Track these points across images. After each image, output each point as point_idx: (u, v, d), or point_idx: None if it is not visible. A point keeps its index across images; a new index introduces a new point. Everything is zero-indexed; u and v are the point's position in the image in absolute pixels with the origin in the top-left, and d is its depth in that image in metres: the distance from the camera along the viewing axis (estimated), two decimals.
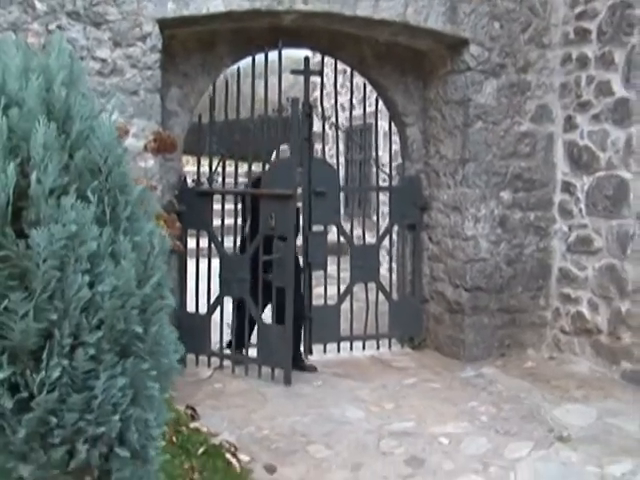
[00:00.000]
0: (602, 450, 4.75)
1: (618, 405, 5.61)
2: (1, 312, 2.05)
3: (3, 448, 2.29)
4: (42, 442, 2.22)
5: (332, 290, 7.04)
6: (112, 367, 2.21)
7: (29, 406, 2.15)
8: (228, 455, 4.52)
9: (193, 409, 5.24)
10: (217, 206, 6.60)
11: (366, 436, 5.01)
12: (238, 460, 4.51)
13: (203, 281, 6.53)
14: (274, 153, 6.62)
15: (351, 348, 6.89)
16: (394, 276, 7.51)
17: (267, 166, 6.53)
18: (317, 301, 6.89)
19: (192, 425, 4.94)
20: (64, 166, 2.14)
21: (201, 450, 4.50)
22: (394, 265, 7.62)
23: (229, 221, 6.54)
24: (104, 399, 2.21)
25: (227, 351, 6.53)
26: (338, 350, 6.88)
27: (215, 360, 6.49)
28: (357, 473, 4.45)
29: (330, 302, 6.92)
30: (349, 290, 6.97)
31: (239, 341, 6.45)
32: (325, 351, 6.80)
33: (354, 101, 7.38)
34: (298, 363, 6.46)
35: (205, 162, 6.79)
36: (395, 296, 7.34)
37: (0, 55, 2.24)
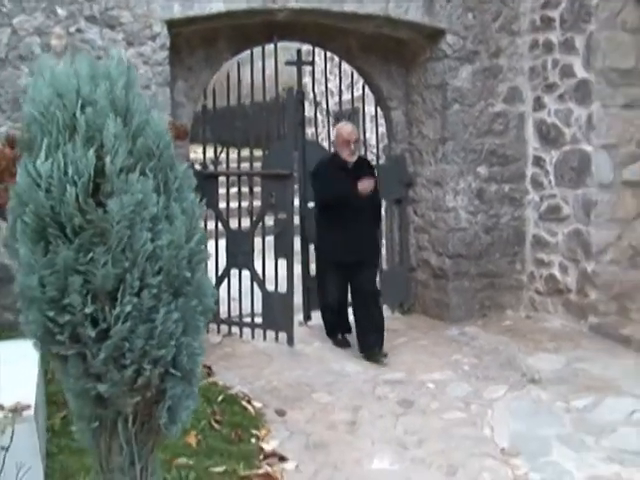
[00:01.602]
0: (568, 389, 5.46)
1: (585, 353, 6.31)
2: (87, 262, 2.71)
3: (83, 373, 2.94)
4: (116, 364, 2.87)
5: None
6: (168, 304, 2.87)
7: (107, 335, 2.80)
8: (244, 402, 5.21)
9: (209, 367, 5.91)
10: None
11: (363, 385, 5.70)
12: (253, 406, 5.20)
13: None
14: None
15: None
16: (383, 248, 8.17)
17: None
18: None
19: (209, 380, 5.63)
20: (129, 151, 2.78)
21: (220, 398, 5.18)
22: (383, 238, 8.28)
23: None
24: (163, 329, 2.86)
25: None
26: None
27: (224, 327, 7.16)
28: (356, 413, 5.14)
29: None
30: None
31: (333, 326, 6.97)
32: None
33: (342, 87, 8.02)
34: (374, 353, 6.42)
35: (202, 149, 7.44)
36: (385, 266, 8.01)
37: (75, 68, 2.89)
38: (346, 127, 6.58)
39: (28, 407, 3.60)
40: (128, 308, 2.77)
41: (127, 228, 2.73)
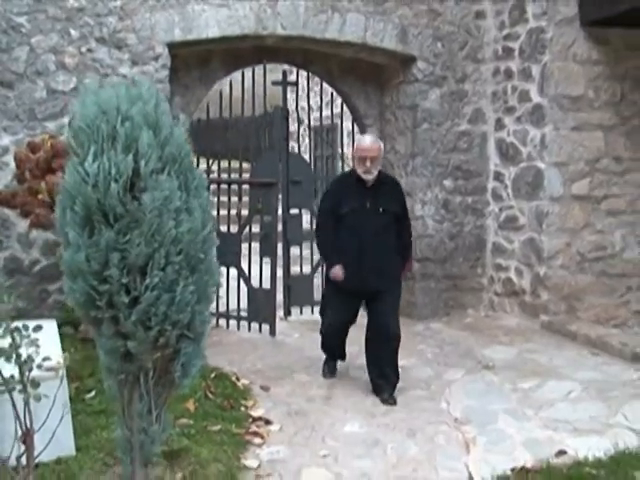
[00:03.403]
0: (517, 374, 6.23)
1: (535, 346, 7.09)
2: (125, 242, 3.46)
3: (114, 333, 3.68)
4: (143, 326, 3.61)
5: (306, 269, 8.51)
6: (186, 278, 3.60)
7: (138, 301, 3.54)
8: (233, 379, 5.95)
9: None
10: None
11: (339, 368, 6.45)
12: (241, 383, 5.94)
13: None
14: None
15: None
16: None
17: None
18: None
19: None
20: (159, 156, 3.53)
21: (212, 375, 5.92)
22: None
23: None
24: (181, 298, 3.59)
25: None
26: (312, 312, 8.29)
27: (211, 320, 7.89)
28: (332, 390, 5.90)
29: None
30: (320, 264, 8.35)
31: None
32: (301, 312, 8.24)
33: (323, 104, 8.79)
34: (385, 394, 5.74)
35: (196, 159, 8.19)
36: None
37: (115, 90, 3.64)
38: (365, 140, 5.83)
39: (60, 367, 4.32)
40: (155, 280, 3.51)
41: (156, 217, 3.48)
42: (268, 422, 5.11)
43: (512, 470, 4.35)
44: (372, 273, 5.66)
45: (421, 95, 8.08)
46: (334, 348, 6.29)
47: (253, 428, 4.95)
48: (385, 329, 5.82)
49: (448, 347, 7.11)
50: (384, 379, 5.78)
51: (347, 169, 8.58)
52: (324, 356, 6.38)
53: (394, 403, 5.63)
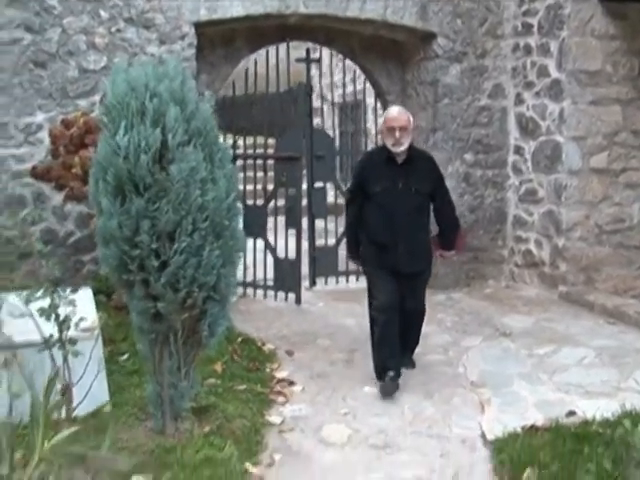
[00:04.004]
0: (534, 341, 6.43)
1: (552, 315, 7.27)
2: (154, 210, 3.72)
3: (145, 295, 3.95)
4: (172, 287, 3.88)
5: (331, 240, 8.76)
6: (212, 243, 3.87)
7: (167, 265, 3.81)
8: (259, 344, 6.23)
9: None
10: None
11: (359, 334, 6.65)
12: (267, 347, 6.22)
13: None
14: None
15: (347, 280, 8.56)
16: None
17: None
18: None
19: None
20: (185, 130, 3.79)
21: (239, 340, 6.20)
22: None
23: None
24: (207, 262, 3.86)
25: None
26: (336, 282, 8.58)
27: (239, 290, 8.18)
28: (352, 354, 6.15)
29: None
30: (345, 234, 8.56)
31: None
32: (326, 282, 8.50)
33: (346, 80, 9.00)
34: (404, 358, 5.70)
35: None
36: None
37: (143, 69, 3.89)
38: (392, 110, 5.55)
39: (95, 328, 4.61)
40: (183, 245, 3.79)
41: (184, 187, 3.75)
42: (292, 383, 5.39)
43: (522, 428, 4.56)
44: (405, 255, 5.38)
45: (442, 71, 8.24)
46: (387, 340, 5.38)
47: (277, 388, 5.23)
48: (413, 311, 5.60)
49: (468, 316, 7.32)
50: (404, 345, 5.67)
51: (371, 146, 8.89)
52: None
53: (413, 367, 5.81)
